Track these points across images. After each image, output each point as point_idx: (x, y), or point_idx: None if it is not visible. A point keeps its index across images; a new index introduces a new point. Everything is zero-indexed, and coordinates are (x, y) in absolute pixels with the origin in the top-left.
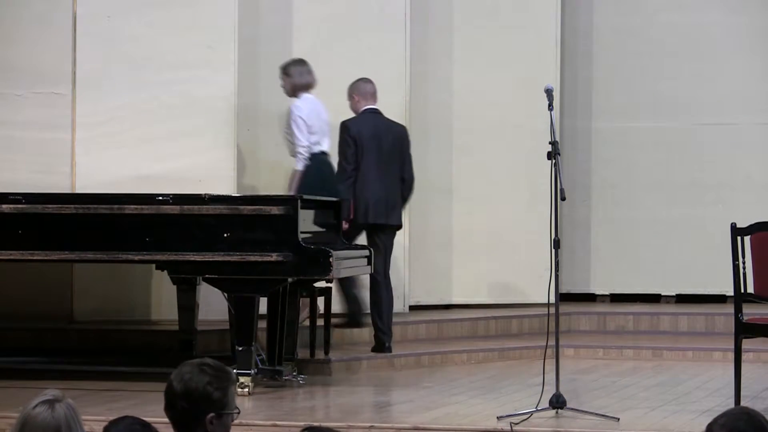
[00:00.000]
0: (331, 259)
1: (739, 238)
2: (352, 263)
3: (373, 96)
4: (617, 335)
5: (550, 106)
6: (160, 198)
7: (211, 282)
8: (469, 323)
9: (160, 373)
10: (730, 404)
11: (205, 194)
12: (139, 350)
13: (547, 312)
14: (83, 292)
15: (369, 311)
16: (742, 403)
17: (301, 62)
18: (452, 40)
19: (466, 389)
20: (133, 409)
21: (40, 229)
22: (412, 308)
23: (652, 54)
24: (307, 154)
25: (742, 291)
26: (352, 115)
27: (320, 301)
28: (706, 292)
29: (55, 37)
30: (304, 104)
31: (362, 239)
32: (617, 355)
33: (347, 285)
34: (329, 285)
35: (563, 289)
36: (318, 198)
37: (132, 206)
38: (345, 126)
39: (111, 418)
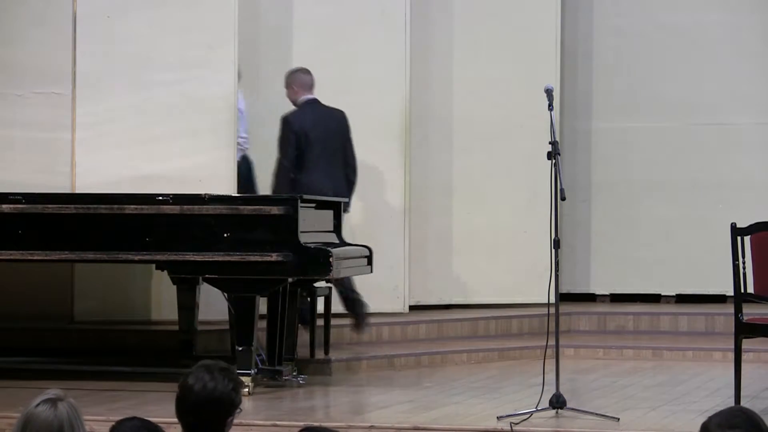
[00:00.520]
0: (331, 259)
1: (739, 238)
2: (352, 263)
3: (311, 87)
4: (617, 335)
5: (550, 106)
6: (160, 198)
7: (211, 282)
8: (469, 323)
9: (160, 373)
10: (730, 404)
11: (205, 194)
12: (139, 350)
13: (547, 312)
14: (83, 292)
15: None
16: (742, 403)
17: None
18: (452, 40)
19: (466, 389)
20: (133, 409)
21: (40, 229)
22: (412, 308)
23: (652, 54)
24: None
25: (742, 291)
26: (352, 115)
27: (320, 301)
28: (706, 292)
29: (55, 37)
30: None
31: None
32: (617, 355)
33: (344, 289)
34: (329, 285)
35: (563, 289)
36: (318, 198)
37: (132, 206)
38: (287, 121)
39: (111, 418)
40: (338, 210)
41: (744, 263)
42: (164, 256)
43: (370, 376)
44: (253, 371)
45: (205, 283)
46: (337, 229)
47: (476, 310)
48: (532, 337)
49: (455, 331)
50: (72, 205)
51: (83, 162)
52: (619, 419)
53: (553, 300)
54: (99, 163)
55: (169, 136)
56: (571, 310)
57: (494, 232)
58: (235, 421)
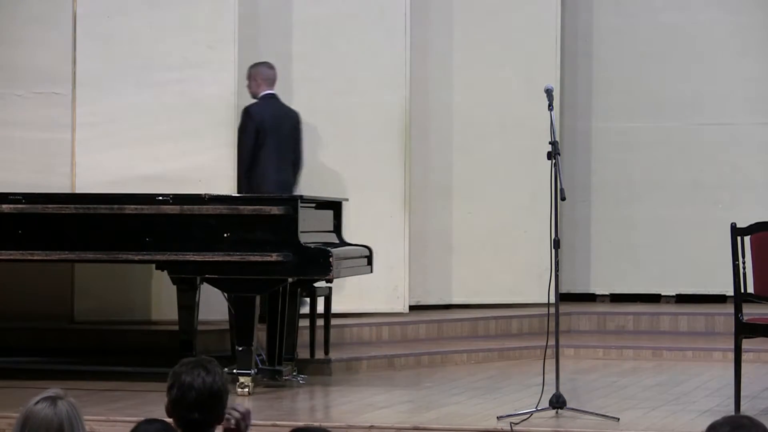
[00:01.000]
0: (331, 259)
1: (739, 238)
2: (352, 263)
3: (273, 83)
4: (617, 335)
5: (550, 106)
6: (160, 198)
7: (211, 282)
8: (469, 323)
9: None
10: (730, 404)
11: (205, 194)
12: (139, 350)
13: (547, 312)
14: (83, 292)
15: None
16: (742, 403)
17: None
18: (452, 40)
19: (466, 389)
20: (133, 409)
21: (40, 229)
22: (412, 308)
23: (652, 54)
24: None
25: (742, 291)
26: (352, 115)
27: (320, 301)
28: (706, 292)
29: (55, 37)
30: None
31: None
32: (617, 355)
33: None
34: (329, 285)
35: (563, 289)
36: (318, 198)
37: (132, 206)
38: (248, 113)
39: (111, 418)
40: (338, 210)
41: (744, 263)
42: (164, 256)
43: (370, 376)
44: (253, 371)
45: (205, 283)
46: (337, 229)
47: (476, 310)
48: (532, 337)
49: (455, 331)
50: (72, 205)
51: (83, 162)
52: (619, 419)
53: (553, 300)
54: (99, 163)
55: (169, 136)
56: (571, 310)
57: (494, 232)
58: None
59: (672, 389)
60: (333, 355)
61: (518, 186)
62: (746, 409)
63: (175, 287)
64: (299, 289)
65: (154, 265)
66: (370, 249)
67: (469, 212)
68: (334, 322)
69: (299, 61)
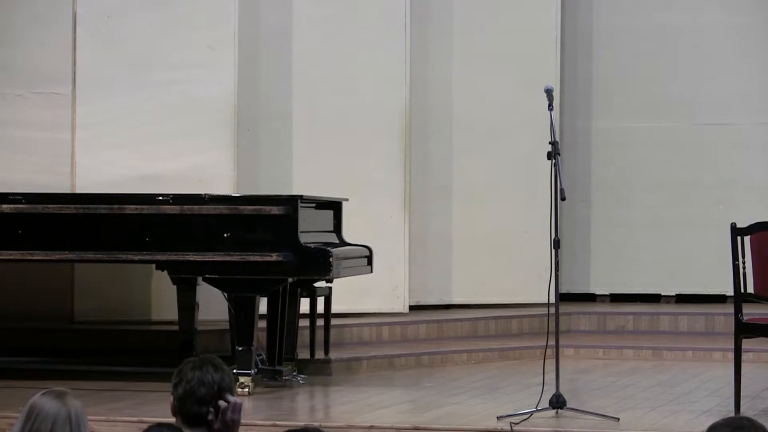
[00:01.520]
0: (331, 259)
1: (739, 238)
2: (352, 263)
3: None
4: (617, 335)
5: (550, 106)
6: (160, 198)
7: (211, 282)
8: (469, 323)
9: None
10: (730, 404)
11: (205, 194)
12: (139, 350)
13: (547, 312)
14: (83, 292)
15: None
16: (742, 403)
17: None
18: (452, 40)
19: (466, 389)
20: (133, 409)
21: (40, 229)
22: (412, 308)
23: (652, 54)
24: None
25: (742, 291)
26: (352, 115)
27: (320, 301)
28: (706, 292)
29: (55, 37)
30: None
31: None
32: (617, 355)
33: None
34: (329, 285)
35: (563, 289)
36: (318, 198)
37: (132, 206)
38: None
39: (111, 418)
40: (338, 210)
41: (744, 263)
42: (164, 256)
43: (370, 376)
44: (253, 371)
45: (205, 283)
46: (337, 229)
47: (476, 310)
48: (532, 337)
49: (455, 331)
50: (72, 205)
51: (83, 162)
52: (619, 419)
53: (553, 300)
54: (99, 163)
55: (169, 136)
56: (571, 310)
57: (494, 232)
58: None
59: (672, 389)
60: (333, 355)
61: (518, 186)
62: (746, 409)
63: (175, 287)
64: (299, 289)
65: (154, 265)
66: (370, 249)
67: (469, 212)
68: (334, 322)
69: (299, 61)
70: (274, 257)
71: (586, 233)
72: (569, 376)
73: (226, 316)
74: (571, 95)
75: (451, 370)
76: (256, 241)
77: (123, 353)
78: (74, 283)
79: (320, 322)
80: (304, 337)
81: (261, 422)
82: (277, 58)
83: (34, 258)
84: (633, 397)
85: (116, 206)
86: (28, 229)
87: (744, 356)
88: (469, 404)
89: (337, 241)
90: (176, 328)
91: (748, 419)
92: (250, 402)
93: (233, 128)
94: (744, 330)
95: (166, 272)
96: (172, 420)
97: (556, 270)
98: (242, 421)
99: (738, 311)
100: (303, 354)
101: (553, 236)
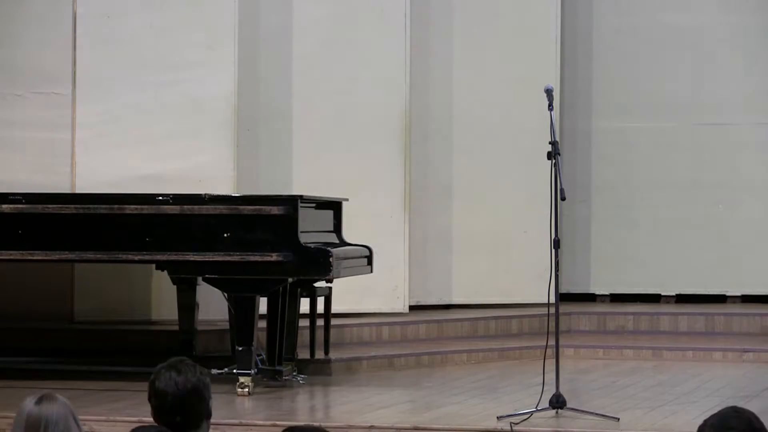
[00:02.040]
0: (331, 259)
1: None
2: (352, 263)
3: None
4: (617, 335)
5: (550, 106)
6: (160, 198)
7: (211, 282)
8: (469, 323)
9: None
10: (730, 404)
11: (205, 194)
12: (139, 350)
13: (547, 312)
14: (83, 292)
15: None
16: (742, 403)
17: None
18: (452, 40)
19: (466, 389)
20: (134, 409)
21: (40, 229)
22: (412, 308)
23: (652, 54)
24: None
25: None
26: (352, 115)
27: (320, 301)
28: (706, 292)
29: (55, 37)
30: None
31: None
32: (617, 355)
33: None
34: (329, 285)
35: (563, 289)
36: (318, 198)
37: (132, 206)
38: None
39: (111, 418)
40: (338, 210)
41: None
42: (164, 256)
43: (370, 376)
44: (253, 371)
45: (205, 283)
46: (337, 229)
47: (476, 310)
48: (532, 337)
49: (455, 331)
50: (72, 205)
51: (83, 162)
52: (619, 419)
53: (553, 300)
54: (99, 163)
55: (169, 136)
56: (571, 310)
57: (494, 232)
58: (235, 421)
59: (672, 389)
60: (333, 355)
61: (518, 186)
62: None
63: (175, 287)
64: (299, 289)
65: (154, 265)
66: (370, 249)
67: (469, 212)
68: (334, 322)
69: (299, 61)
70: (274, 257)
71: (586, 233)
72: (569, 376)
73: (226, 316)
74: (571, 95)
75: (451, 370)
76: (256, 241)
77: (123, 353)
78: (74, 283)
79: (320, 322)
80: (304, 337)
81: (261, 422)
82: (277, 58)
83: (34, 258)
84: (633, 397)
85: (116, 206)
86: (28, 229)
87: (744, 356)
88: (469, 404)
89: (337, 241)
90: (176, 328)
91: (735, 411)
92: (250, 402)
93: (233, 128)
94: None
95: (166, 272)
96: None
97: (556, 270)
98: (242, 421)
99: None
100: (303, 354)
101: (553, 236)
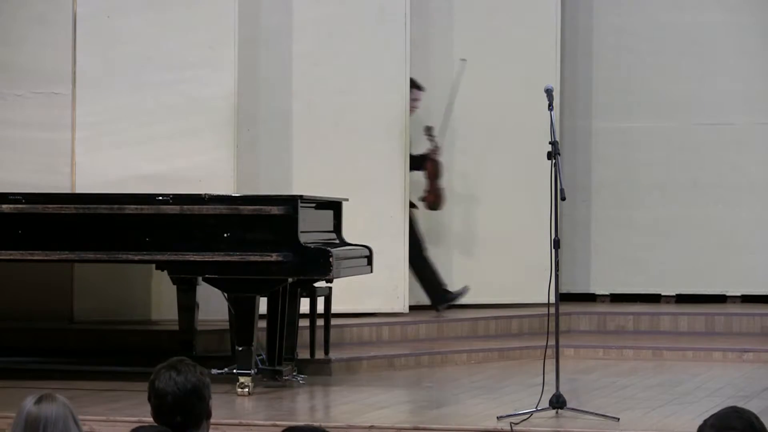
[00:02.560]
0: (331, 259)
1: None
2: (351, 263)
3: None
4: (617, 335)
5: (550, 106)
6: (160, 198)
7: (211, 282)
8: (469, 323)
9: None
10: (730, 404)
11: (205, 194)
12: (139, 350)
13: (547, 312)
14: (83, 292)
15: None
16: (742, 403)
17: None
18: (452, 40)
19: (466, 389)
20: (134, 409)
21: (40, 229)
22: (412, 308)
23: (652, 54)
24: None
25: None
26: (352, 115)
27: (320, 301)
28: (706, 292)
29: (55, 37)
30: None
31: None
32: (617, 355)
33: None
34: (329, 285)
35: (563, 289)
36: (318, 198)
37: (132, 206)
38: None
39: (111, 418)
40: (338, 210)
41: None
42: (164, 256)
43: (370, 376)
44: (253, 371)
45: (205, 283)
46: (337, 229)
47: (476, 310)
48: (532, 337)
49: (455, 331)
50: (72, 205)
51: (83, 162)
52: (619, 419)
53: (553, 300)
54: (99, 163)
55: (169, 136)
56: (571, 310)
57: (494, 232)
58: (235, 421)
59: (672, 389)
60: (333, 355)
61: (518, 186)
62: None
63: (175, 287)
64: (299, 289)
65: (154, 265)
66: (370, 249)
67: (469, 212)
68: (334, 322)
69: (299, 61)
70: (274, 257)
71: (586, 233)
72: (569, 376)
73: (226, 316)
74: (571, 95)
75: (451, 370)
76: (256, 241)
77: (123, 353)
78: (74, 283)
79: (320, 322)
80: (304, 337)
81: (261, 422)
82: (277, 58)
83: (34, 258)
84: (633, 397)
85: (116, 206)
86: (28, 229)
87: (744, 356)
88: (469, 404)
89: (337, 241)
90: (176, 328)
91: (735, 410)
92: (250, 402)
93: (233, 128)
94: None
95: (166, 272)
96: None
97: (556, 270)
98: (242, 421)
99: None
100: (303, 354)
101: (553, 236)
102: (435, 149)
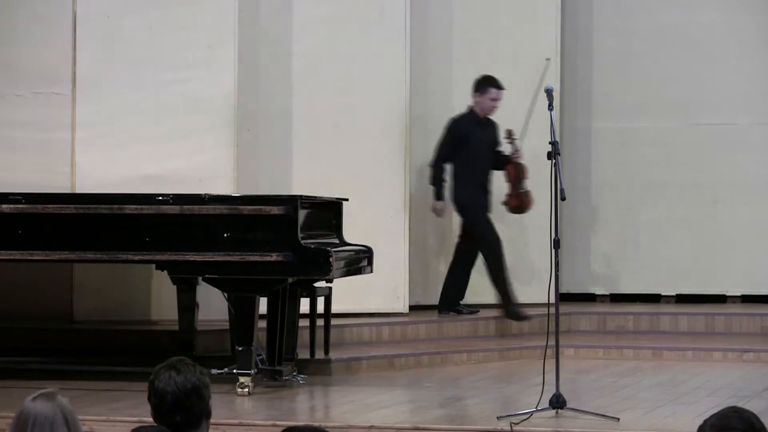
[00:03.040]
0: (331, 259)
1: None
2: (351, 263)
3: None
4: (617, 335)
5: (550, 106)
6: (160, 198)
7: (211, 282)
8: (469, 323)
9: None
10: (730, 404)
11: (205, 194)
12: (139, 350)
13: (547, 312)
14: (83, 292)
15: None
16: (742, 403)
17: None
18: (452, 40)
19: (466, 389)
20: (133, 409)
21: (40, 229)
22: (412, 308)
23: (652, 54)
24: None
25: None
26: (352, 115)
27: (320, 301)
28: (706, 292)
29: (55, 37)
30: None
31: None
32: (617, 355)
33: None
34: (329, 285)
35: (563, 289)
36: (318, 198)
37: (132, 206)
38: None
39: (111, 418)
40: (338, 210)
41: None
42: (164, 256)
43: (370, 376)
44: (253, 371)
45: (205, 283)
46: (337, 229)
47: None
48: (532, 337)
49: (455, 331)
50: (72, 205)
51: (83, 162)
52: (619, 419)
53: (553, 300)
54: (99, 163)
55: (169, 136)
56: (571, 310)
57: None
58: (235, 421)
59: (672, 389)
60: (333, 355)
61: None
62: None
63: (175, 287)
64: (299, 289)
65: (154, 265)
66: (370, 249)
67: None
68: (334, 322)
69: (299, 61)
70: (274, 257)
71: (586, 233)
72: (569, 376)
73: (226, 316)
74: (571, 95)
75: (451, 370)
76: (256, 241)
77: (123, 353)
78: (74, 284)
79: (320, 322)
80: (304, 337)
81: (261, 422)
82: (277, 58)
83: (34, 258)
84: (633, 397)
85: (116, 206)
86: (28, 229)
87: (744, 356)
88: (469, 404)
89: (337, 241)
90: (176, 328)
91: (735, 411)
92: (250, 402)
93: (233, 128)
94: None
95: (166, 272)
96: None
97: (556, 270)
98: (242, 421)
99: None
100: (303, 354)
101: (553, 236)
102: (516, 152)
